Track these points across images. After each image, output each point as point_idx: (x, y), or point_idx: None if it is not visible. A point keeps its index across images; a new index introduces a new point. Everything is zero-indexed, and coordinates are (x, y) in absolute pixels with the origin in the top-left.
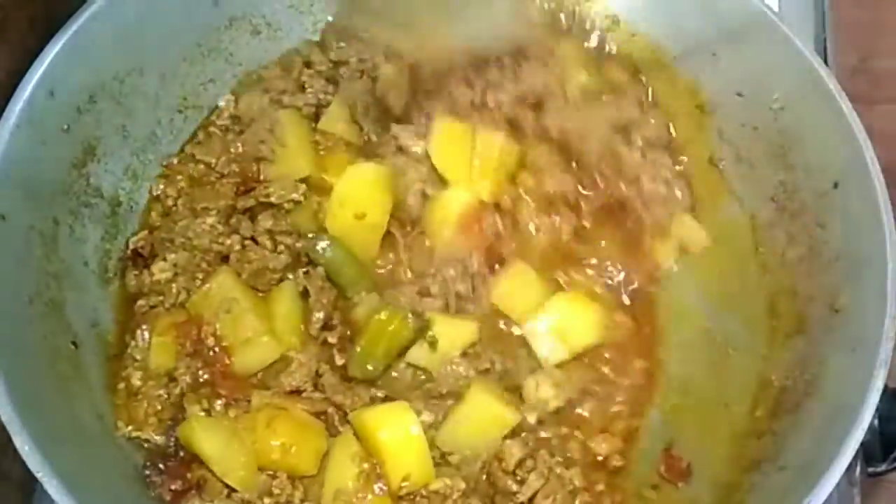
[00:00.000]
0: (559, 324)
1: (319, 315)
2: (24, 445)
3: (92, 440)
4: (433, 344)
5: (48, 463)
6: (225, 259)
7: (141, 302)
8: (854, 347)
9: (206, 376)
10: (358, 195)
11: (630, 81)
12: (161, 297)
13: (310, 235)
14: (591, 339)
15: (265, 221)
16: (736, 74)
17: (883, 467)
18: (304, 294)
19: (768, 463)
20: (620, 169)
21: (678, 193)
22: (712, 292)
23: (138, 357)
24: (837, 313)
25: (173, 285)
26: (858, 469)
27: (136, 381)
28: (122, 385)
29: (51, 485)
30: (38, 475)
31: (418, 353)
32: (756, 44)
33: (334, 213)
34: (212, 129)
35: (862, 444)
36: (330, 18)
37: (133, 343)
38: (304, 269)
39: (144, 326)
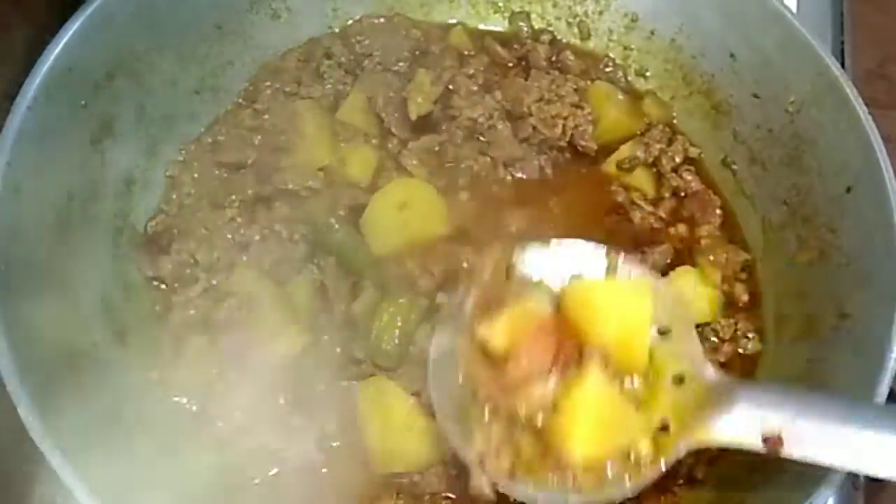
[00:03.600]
0: None
1: (341, 307)
2: (28, 416)
3: (97, 414)
4: None
5: (51, 434)
6: (244, 249)
7: (174, 317)
8: (860, 353)
9: None
10: (416, 197)
11: (660, 114)
12: (192, 311)
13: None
14: None
15: (281, 209)
16: (752, 76)
17: None
18: (322, 287)
19: (769, 465)
20: None
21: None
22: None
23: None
24: (845, 318)
25: (196, 285)
26: None
27: None
28: None
29: (53, 456)
30: (42, 447)
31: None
32: (773, 45)
33: (386, 190)
34: (230, 128)
35: None
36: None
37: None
38: (317, 262)
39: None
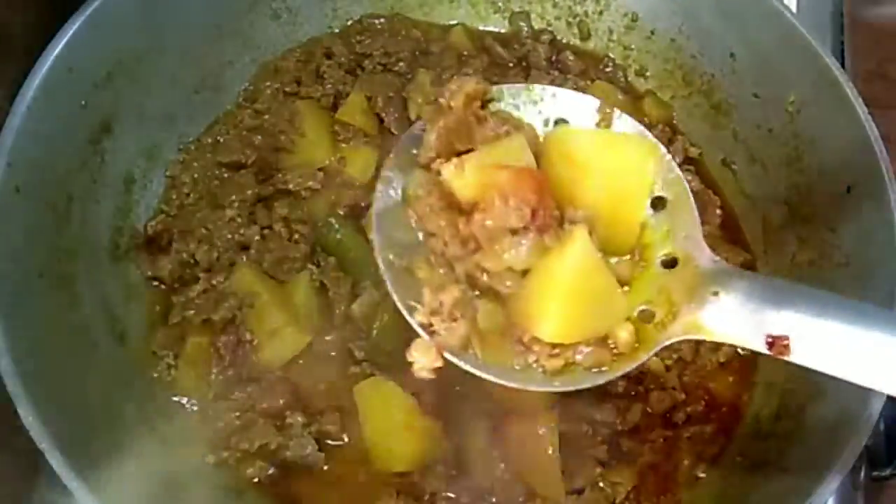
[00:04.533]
0: None
1: (341, 307)
2: (27, 416)
3: (97, 414)
4: None
5: (51, 434)
6: (245, 249)
7: (173, 317)
8: None
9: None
10: None
11: (660, 114)
12: (192, 311)
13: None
14: None
15: (281, 209)
16: (752, 76)
17: (888, 472)
18: (322, 287)
19: (771, 465)
20: None
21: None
22: None
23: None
24: None
25: (196, 285)
26: (863, 473)
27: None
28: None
29: (52, 455)
30: (41, 446)
31: None
32: (773, 45)
33: None
34: (230, 128)
35: (867, 448)
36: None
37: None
38: (317, 262)
39: (172, 353)
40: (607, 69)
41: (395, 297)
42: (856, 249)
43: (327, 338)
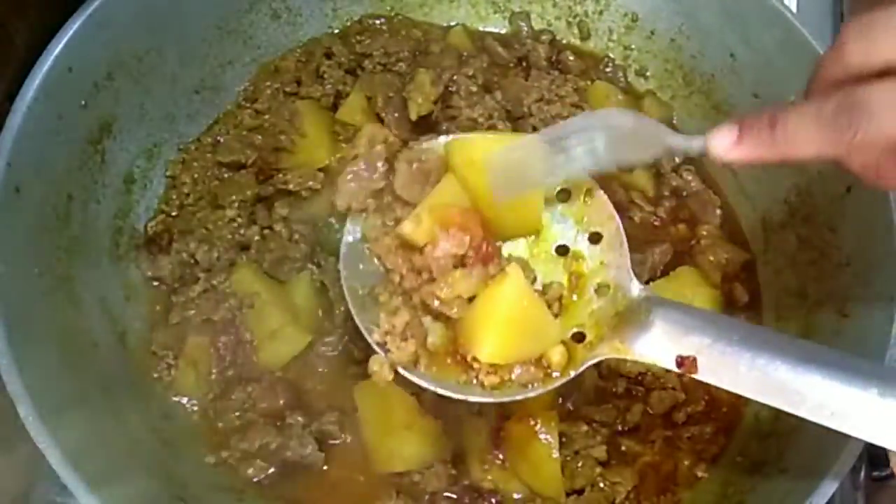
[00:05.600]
0: None
1: (341, 307)
2: (28, 416)
3: (97, 413)
4: None
5: (51, 434)
6: (245, 249)
7: (173, 317)
8: (860, 353)
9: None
10: None
11: (660, 114)
12: (192, 311)
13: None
14: None
15: (281, 209)
16: (752, 76)
17: (888, 472)
18: (322, 287)
19: (770, 464)
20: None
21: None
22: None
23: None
24: (845, 318)
25: (196, 285)
26: (863, 473)
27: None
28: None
29: (52, 455)
30: (41, 446)
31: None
32: (773, 45)
33: None
34: (230, 128)
35: (867, 448)
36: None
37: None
38: (317, 262)
39: (172, 353)
40: (607, 69)
41: (357, 320)
42: (856, 249)
43: (327, 338)
